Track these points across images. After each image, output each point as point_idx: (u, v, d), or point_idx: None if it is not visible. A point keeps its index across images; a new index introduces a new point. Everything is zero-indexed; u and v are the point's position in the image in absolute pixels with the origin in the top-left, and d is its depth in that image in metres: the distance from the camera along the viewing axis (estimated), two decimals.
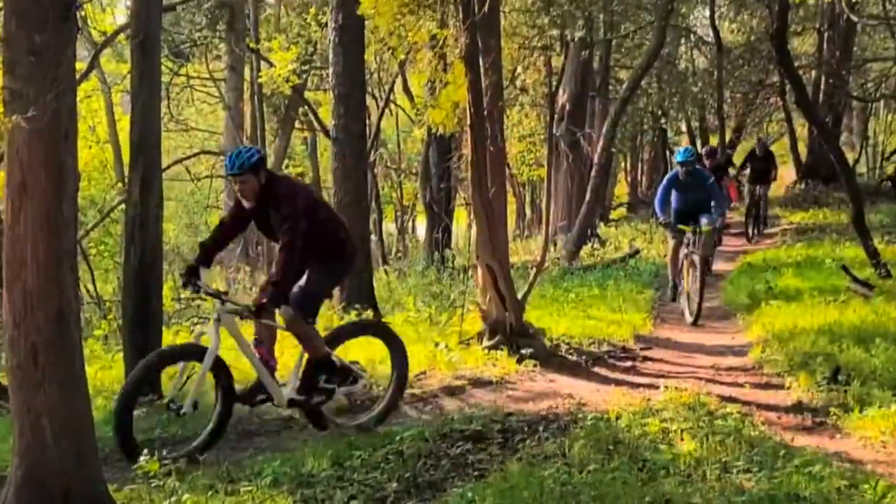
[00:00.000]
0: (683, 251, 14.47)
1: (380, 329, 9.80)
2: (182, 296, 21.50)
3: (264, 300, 8.35)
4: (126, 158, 17.27)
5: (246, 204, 8.55)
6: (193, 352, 8.56)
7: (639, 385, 10.43)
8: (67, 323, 6.17)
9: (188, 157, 26.08)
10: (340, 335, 9.35)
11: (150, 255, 10.69)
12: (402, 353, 9.43)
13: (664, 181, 14.91)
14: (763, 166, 23.01)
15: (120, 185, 21.11)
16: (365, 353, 10.37)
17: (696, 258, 14.25)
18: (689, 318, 14.37)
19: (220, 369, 8.55)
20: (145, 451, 7.64)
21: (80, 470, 6.27)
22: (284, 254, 8.27)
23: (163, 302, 11.68)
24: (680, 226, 14.42)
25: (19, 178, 6.03)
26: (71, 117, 6.19)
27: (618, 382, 10.57)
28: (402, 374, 9.40)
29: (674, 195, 14.51)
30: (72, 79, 6.25)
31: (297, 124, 28.83)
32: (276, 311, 8.65)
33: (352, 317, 13.78)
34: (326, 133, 20.50)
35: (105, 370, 11.73)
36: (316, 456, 7.85)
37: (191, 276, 8.67)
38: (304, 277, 8.58)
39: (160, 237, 11.15)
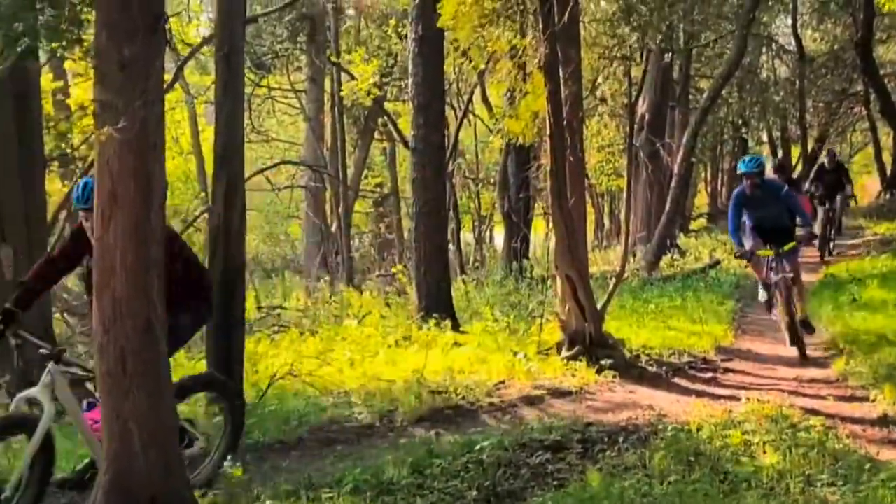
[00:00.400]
0: (773, 277, 12.40)
1: (216, 383, 8.38)
2: (263, 304, 21.79)
3: None
4: (209, 169, 17.53)
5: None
6: (21, 424, 6.91)
7: (720, 397, 10.33)
8: (154, 331, 6.28)
9: (269, 168, 26.33)
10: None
11: (234, 264, 10.83)
12: (240, 412, 8.21)
13: (731, 201, 12.97)
14: (834, 179, 20.97)
15: (203, 195, 21.39)
16: None
17: (788, 279, 12.38)
18: (790, 347, 12.47)
19: (48, 447, 6.90)
20: (228, 457, 7.76)
21: (167, 477, 6.37)
22: None
23: (245, 310, 11.83)
24: (759, 252, 12.47)
25: (109, 188, 6.16)
26: (159, 128, 6.30)
27: (698, 394, 10.48)
28: (236, 432, 8.08)
29: (745, 215, 12.60)
30: (160, 90, 6.37)
31: (376, 135, 29.03)
32: None
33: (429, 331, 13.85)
34: (406, 143, 20.62)
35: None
36: (396, 464, 7.89)
37: (8, 323, 7.07)
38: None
39: (243, 246, 11.29)
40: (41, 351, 7.06)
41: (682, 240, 26.38)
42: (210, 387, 8.38)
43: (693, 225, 33.92)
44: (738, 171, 12.78)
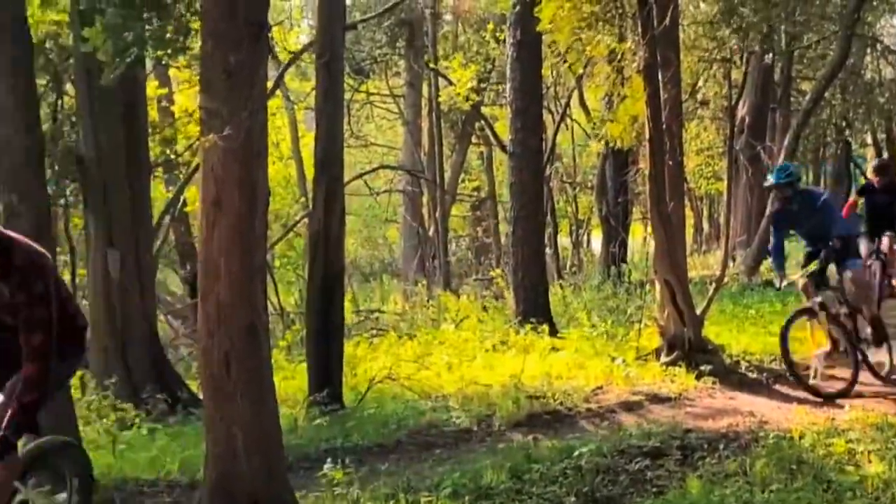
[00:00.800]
0: (820, 312, 10.74)
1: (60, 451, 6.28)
2: (361, 308, 21.98)
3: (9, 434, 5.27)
4: (309, 174, 17.75)
5: None
6: None
7: (822, 404, 10.16)
8: (257, 335, 6.40)
9: (368, 172, 26.57)
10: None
11: (333, 267, 10.99)
12: (86, 482, 6.34)
13: (769, 219, 12.03)
14: (884, 203, 13.35)
15: (303, 199, 21.65)
16: None
17: (843, 313, 10.92)
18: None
19: None
20: (329, 459, 7.85)
21: (269, 479, 6.48)
22: (41, 364, 5.30)
23: (344, 314, 11.96)
24: (791, 276, 10.96)
25: (214, 195, 6.29)
26: (262, 136, 6.42)
27: (800, 401, 10.32)
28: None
29: (797, 234, 11.42)
30: (263, 98, 6.50)
31: (473, 139, 29.06)
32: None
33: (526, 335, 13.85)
34: (503, 148, 20.62)
35: (288, 380, 12.05)
36: (494, 468, 7.90)
37: None
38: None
39: (342, 251, 11.45)
40: None
41: None
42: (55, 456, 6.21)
43: None
44: (764, 185, 11.71)
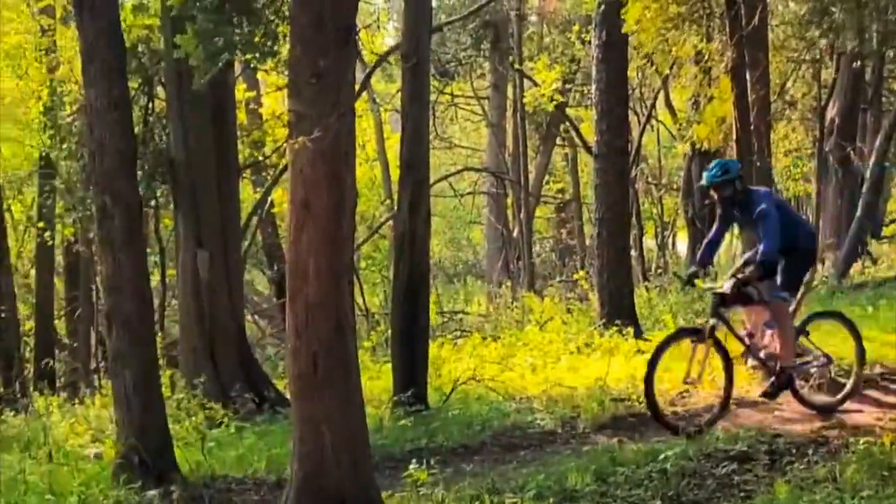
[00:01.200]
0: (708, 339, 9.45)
1: None
2: (445, 309, 22.05)
3: None
4: (394, 175, 17.85)
5: None
6: None
7: None
8: (345, 335, 6.46)
9: (453, 174, 26.65)
10: None
11: (419, 269, 11.04)
12: None
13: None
14: None
15: (388, 201, 21.78)
16: None
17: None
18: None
19: None
20: (413, 460, 7.89)
21: (356, 478, 6.54)
22: None
23: (429, 315, 12.01)
24: (698, 281, 10.18)
25: (302, 196, 6.37)
26: (350, 138, 6.49)
27: (892, 406, 10.13)
28: None
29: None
30: (351, 100, 6.57)
31: (558, 140, 28.99)
32: None
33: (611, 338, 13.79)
34: (588, 149, 20.56)
35: (373, 380, 12.14)
36: (579, 471, 7.89)
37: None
38: None
39: (427, 252, 11.49)
40: None
41: (873, 247, 25.49)
42: None
43: (886, 231, 32.72)
44: (697, 185, 10.61)
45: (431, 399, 11.07)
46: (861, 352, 10.21)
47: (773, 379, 9.78)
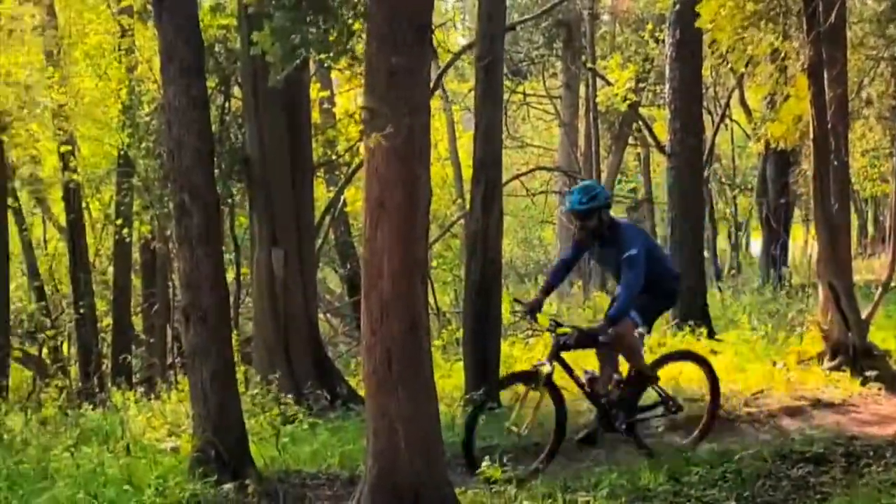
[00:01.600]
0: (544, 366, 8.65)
1: None
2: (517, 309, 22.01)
3: None
4: (465, 174, 17.86)
5: None
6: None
7: None
8: (418, 332, 6.50)
9: (525, 173, 26.61)
10: None
11: (491, 268, 11.05)
12: None
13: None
14: None
15: (459, 200, 21.81)
16: None
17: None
18: None
19: None
20: (486, 457, 7.90)
21: (429, 474, 6.57)
22: None
23: (501, 314, 12.01)
24: (539, 318, 9.20)
25: (377, 194, 6.42)
26: (424, 136, 6.52)
27: None
28: None
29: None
30: (426, 98, 6.60)
31: (630, 140, 28.84)
32: None
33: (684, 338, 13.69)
34: (661, 149, 20.42)
35: (444, 378, 12.15)
36: (652, 470, 7.86)
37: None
38: None
39: (499, 251, 11.50)
40: None
41: None
42: None
43: None
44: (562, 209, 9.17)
45: (504, 397, 11.07)
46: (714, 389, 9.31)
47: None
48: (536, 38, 26.59)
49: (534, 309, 8.94)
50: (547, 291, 9.12)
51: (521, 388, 8.85)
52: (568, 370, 8.76)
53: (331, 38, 8.77)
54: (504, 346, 12.59)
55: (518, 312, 9.68)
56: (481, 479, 7.51)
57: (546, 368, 8.51)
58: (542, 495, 7.42)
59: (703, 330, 14.03)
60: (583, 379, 8.83)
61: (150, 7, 12.42)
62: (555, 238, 31.66)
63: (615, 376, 8.87)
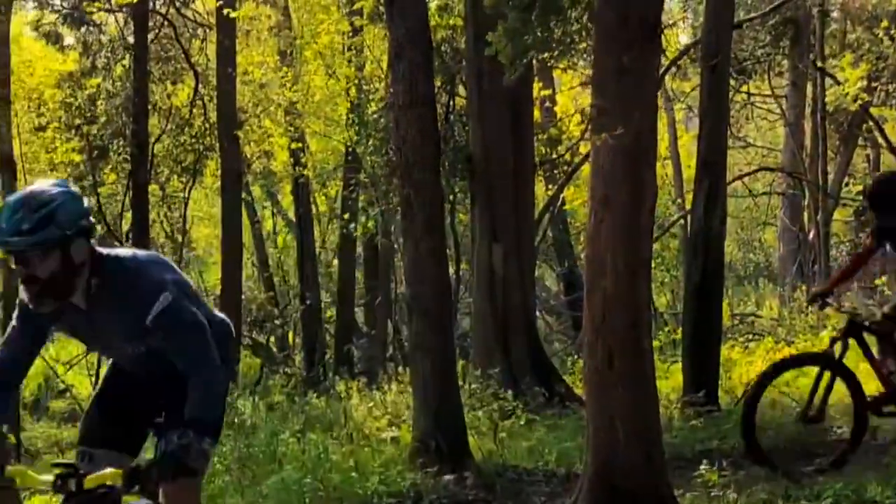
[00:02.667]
0: None
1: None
2: (736, 311, 21.63)
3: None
4: (686, 174, 17.65)
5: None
6: None
7: None
8: (641, 330, 6.50)
9: (748, 174, 26.05)
10: None
11: (713, 268, 10.91)
12: None
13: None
14: None
15: (679, 200, 21.58)
16: None
17: None
18: None
19: None
20: (704, 461, 7.82)
21: (648, 473, 6.57)
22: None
23: (721, 316, 11.83)
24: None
25: (602, 192, 6.46)
26: (651, 134, 6.52)
27: None
28: None
29: None
30: (654, 97, 6.59)
31: (860, 141, 27.87)
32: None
33: None
34: (893, 150, 19.69)
35: (661, 380, 12.02)
36: (879, 482, 7.60)
37: None
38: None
39: (722, 252, 11.34)
40: None
41: None
42: None
43: None
44: None
45: (722, 401, 10.92)
46: None
47: None
48: (763, 37, 25.99)
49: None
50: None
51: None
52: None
53: (556, 37, 8.85)
54: (723, 349, 12.41)
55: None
56: (698, 482, 7.44)
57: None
58: (762, 502, 7.29)
59: None
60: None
61: (381, 7, 12.78)
62: (776, 240, 30.88)
63: None
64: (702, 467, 7.50)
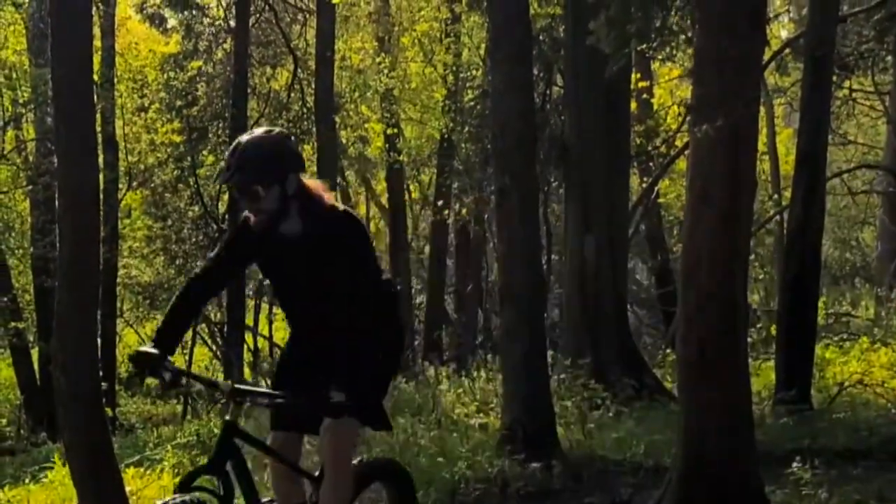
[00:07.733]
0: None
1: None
2: (831, 310, 21.29)
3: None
4: (783, 170, 17.39)
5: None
6: None
7: None
8: (736, 324, 6.44)
9: (847, 171, 25.57)
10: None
11: (809, 265, 10.74)
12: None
13: None
14: None
15: (776, 196, 21.28)
16: None
17: None
18: None
19: None
20: (796, 459, 7.73)
21: (738, 467, 6.51)
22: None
23: (816, 314, 11.65)
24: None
25: (700, 184, 6.41)
26: (752, 127, 6.45)
27: None
28: None
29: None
30: (757, 89, 6.51)
31: None
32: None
33: None
34: None
35: (753, 377, 11.86)
36: None
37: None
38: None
39: (819, 249, 11.16)
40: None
41: None
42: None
43: None
44: None
45: (815, 400, 10.76)
46: None
47: None
48: (867, 32, 25.49)
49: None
50: None
51: None
52: None
53: (656, 27, 8.79)
54: (817, 348, 12.24)
55: None
56: (790, 480, 7.36)
57: None
58: (855, 502, 7.19)
59: None
60: None
61: None
62: (874, 240, 30.31)
63: None
64: (794, 465, 7.42)
